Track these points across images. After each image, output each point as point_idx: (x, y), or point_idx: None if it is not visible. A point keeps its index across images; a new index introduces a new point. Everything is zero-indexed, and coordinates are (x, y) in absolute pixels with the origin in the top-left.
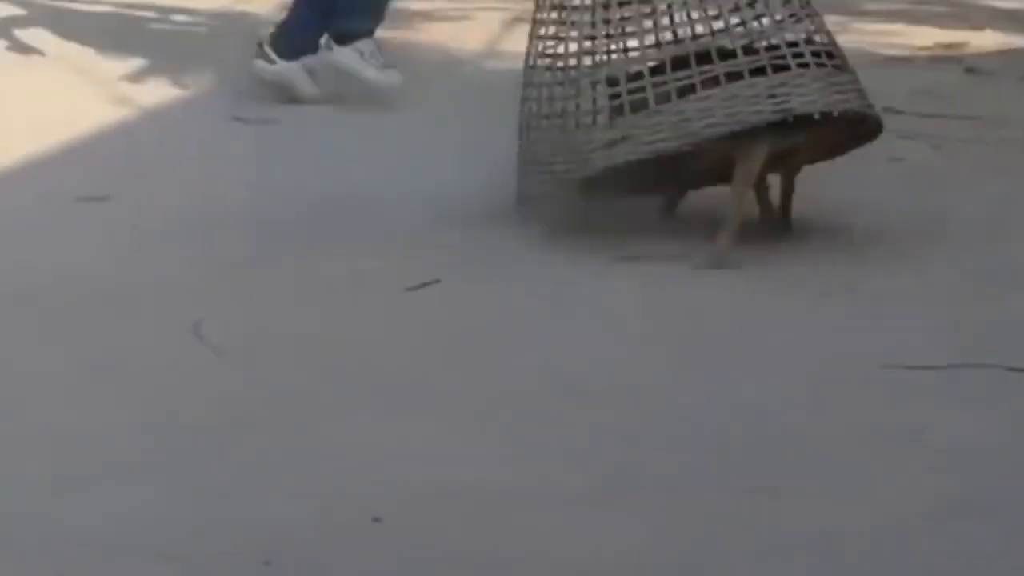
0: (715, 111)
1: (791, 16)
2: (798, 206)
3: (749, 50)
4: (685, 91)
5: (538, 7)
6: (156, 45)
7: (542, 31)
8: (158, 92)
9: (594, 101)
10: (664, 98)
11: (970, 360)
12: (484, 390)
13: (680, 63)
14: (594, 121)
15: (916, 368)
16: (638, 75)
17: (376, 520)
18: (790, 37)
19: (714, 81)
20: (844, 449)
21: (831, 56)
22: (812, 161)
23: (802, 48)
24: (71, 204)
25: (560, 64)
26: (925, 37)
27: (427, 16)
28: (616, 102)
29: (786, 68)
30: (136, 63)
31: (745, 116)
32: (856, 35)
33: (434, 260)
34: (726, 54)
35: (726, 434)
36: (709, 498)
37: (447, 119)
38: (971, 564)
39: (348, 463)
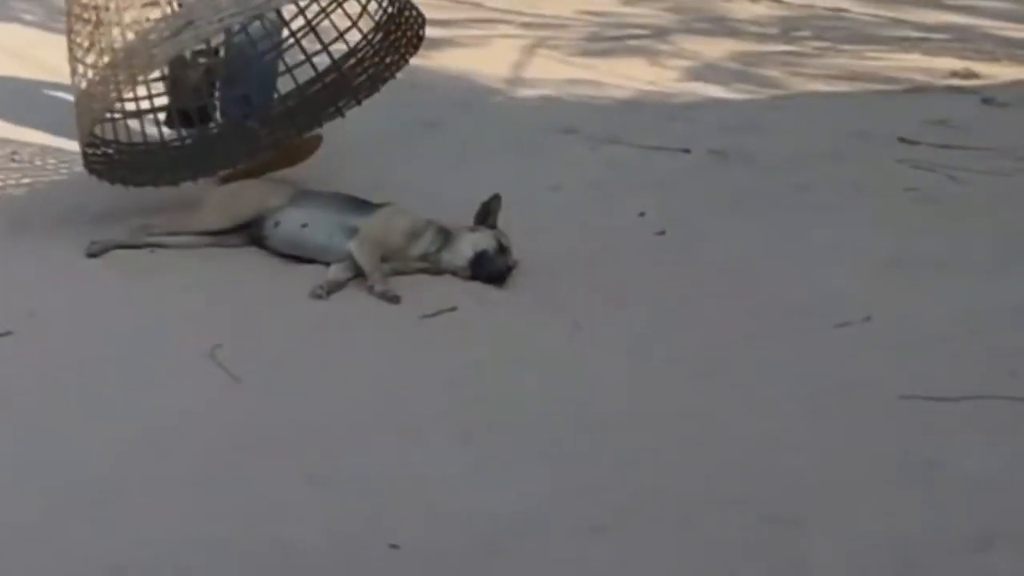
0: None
1: None
2: (819, 235)
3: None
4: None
5: None
6: None
7: None
8: None
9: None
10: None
11: (988, 391)
12: (501, 417)
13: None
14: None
15: (934, 399)
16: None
17: (393, 547)
18: None
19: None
20: (865, 480)
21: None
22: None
23: None
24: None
25: None
26: (941, 68)
27: (448, 43)
28: None
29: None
30: None
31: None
32: (872, 64)
33: (449, 287)
34: None
35: (747, 464)
36: (729, 528)
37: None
38: None
39: (365, 489)
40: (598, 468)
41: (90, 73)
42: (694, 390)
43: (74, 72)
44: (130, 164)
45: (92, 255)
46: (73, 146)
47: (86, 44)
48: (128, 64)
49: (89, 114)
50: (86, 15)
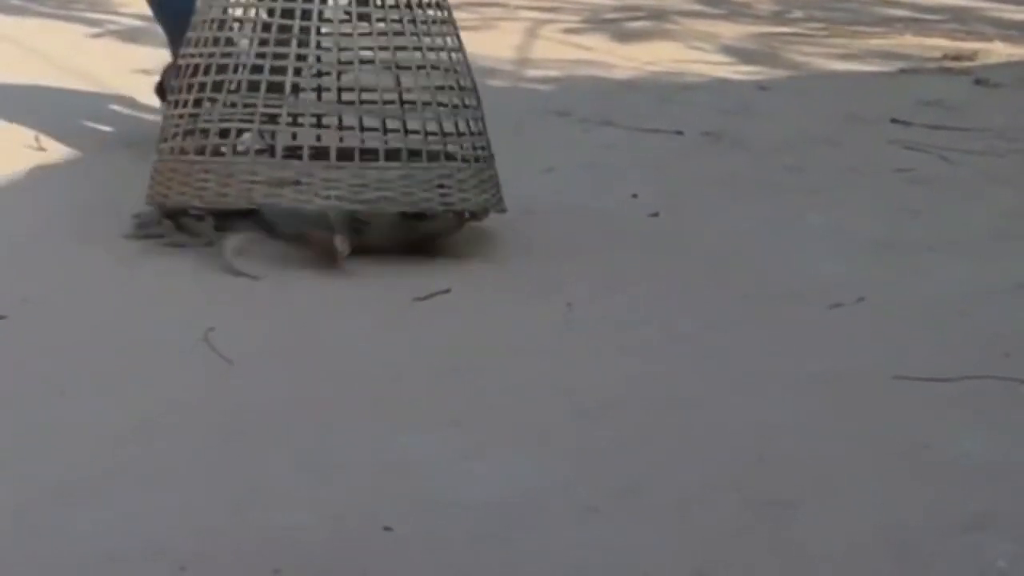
0: (393, 186)
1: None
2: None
3: (432, 126)
4: (367, 154)
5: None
6: None
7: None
8: None
9: (261, 134)
10: (346, 155)
11: (982, 372)
12: (495, 401)
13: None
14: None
15: (928, 380)
16: (320, 120)
17: (387, 529)
18: (459, 124)
19: (396, 153)
20: (859, 462)
21: (485, 148)
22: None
23: (468, 137)
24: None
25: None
26: (934, 48)
27: None
28: (293, 141)
29: (453, 158)
30: None
31: (417, 199)
32: (865, 45)
33: (443, 269)
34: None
35: (740, 447)
36: (723, 511)
37: None
38: None
39: (359, 472)
40: (591, 452)
41: None
42: (687, 373)
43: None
44: None
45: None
46: (68, 132)
47: None
48: None
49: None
50: None
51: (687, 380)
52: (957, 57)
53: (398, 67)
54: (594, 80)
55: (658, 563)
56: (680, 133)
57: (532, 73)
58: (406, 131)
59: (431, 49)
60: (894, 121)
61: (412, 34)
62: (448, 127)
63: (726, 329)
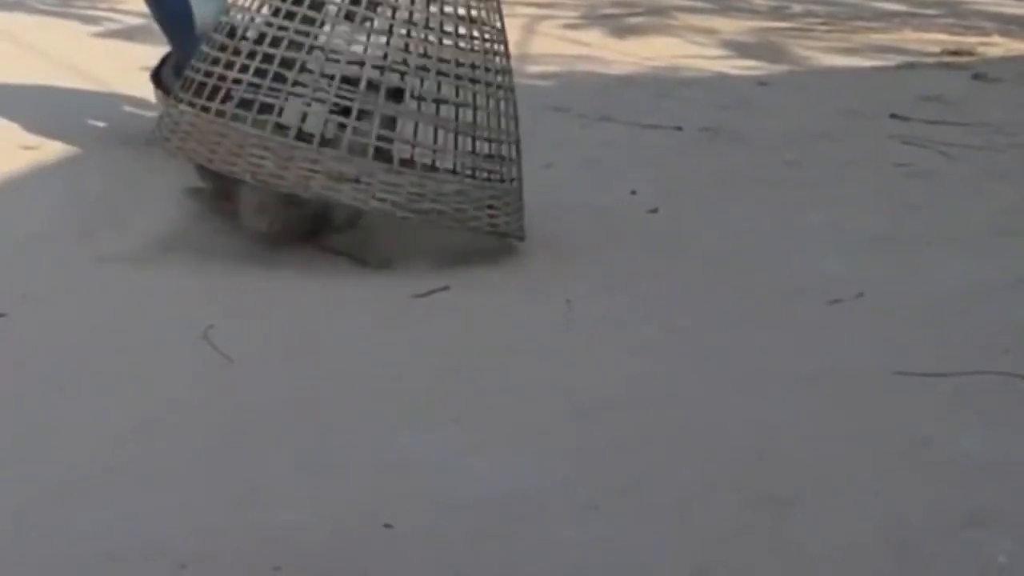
0: (448, 200)
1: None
2: (811, 212)
3: (485, 148)
4: (426, 166)
5: None
6: None
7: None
8: None
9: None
10: (409, 163)
11: (982, 368)
12: (494, 399)
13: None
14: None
15: (928, 376)
16: (391, 121)
17: (388, 527)
18: (510, 151)
19: (452, 169)
20: (859, 458)
21: (519, 170)
22: None
23: (510, 161)
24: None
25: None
26: (933, 43)
27: None
28: (359, 137)
29: (502, 180)
30: None
31: (468, 220)
32: (864, 40)
33: (442, 265)
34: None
35: (740, 444)
36: (723, 510)
37: None
38: (983, 573)
39: (359, 471)
40: (591, 451)
41: None
42: (687, 371)
43: None
44: None
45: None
46: (67, 130)
47: None
48: None
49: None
50: None
51: (687, 378)
52: (956, 52)
53: (471, 81)
54: (592, 76)
55: (658, 561)
56: (679, 129)
57: (530, 69)
58: (470, 149)
59: (498, 72)
60: (893, 116)
61: (484, 52)
62: (504, 151)
63: (726, 326)
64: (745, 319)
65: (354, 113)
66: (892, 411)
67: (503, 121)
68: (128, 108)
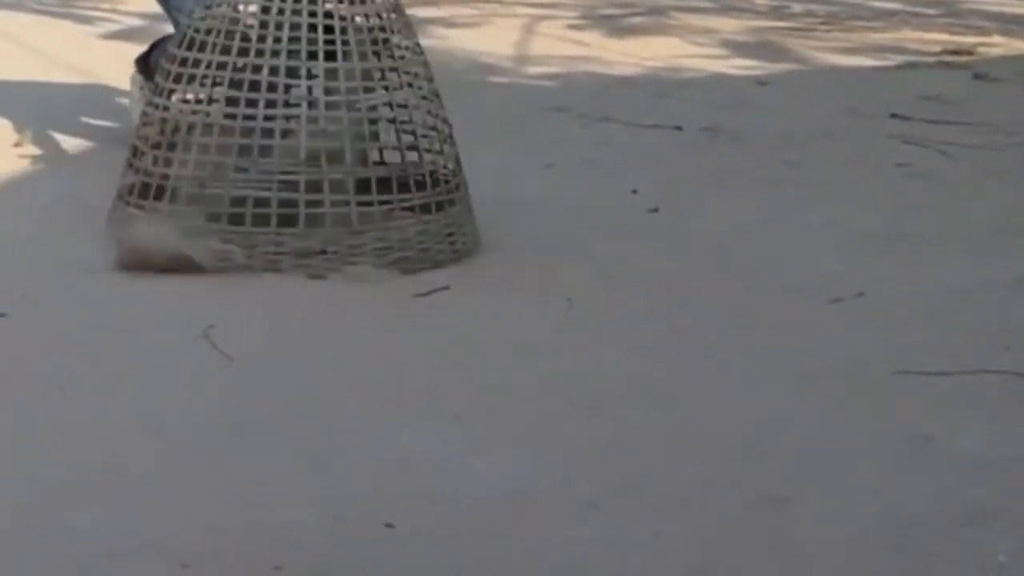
0: (411, 245)
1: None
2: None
3: (434, 176)
4: (387, 216)
5: None
6: None
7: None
8: None
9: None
10: (368, 219)
11: (982, 366)
12: (495, 397)
13: (383, 185)
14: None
15: (929, 374)
16: (340, 185)
17: (388, 526)
18: (450, 159)
19: (410, 210)
20: (860, 457)
21: (463, 180)
22: None
23: (454, 178)
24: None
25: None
26: (933, 43)
27: (446, 23)
28: (316, 209)
29: (453, 203)
30: None
31: (432, 254)
32: (864, 40)
33: (443, 266)
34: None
35: (741, 442)
36: (720, 507)
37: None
38: (984, 571)
39: (360, 469)
40: (591, 448)
41: None
42: (687, 369)
43: None
44: None
45: None
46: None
47: None
48: None
49: None
50: None
51: (687, 376)
52: (956, 51)
53: (394, 121)
54: (592, 76)
55: (658, 560)
56: (679, 129)
57: (531, 69)
58: (416, 186)
59: (411, 85)
60: (893, 116)
61: (390, 70)
62: (449, 169)
63: (726, 325)
64: (746, 318)
65: (302, 186)
66: (892, 410)
67: (439, 141)
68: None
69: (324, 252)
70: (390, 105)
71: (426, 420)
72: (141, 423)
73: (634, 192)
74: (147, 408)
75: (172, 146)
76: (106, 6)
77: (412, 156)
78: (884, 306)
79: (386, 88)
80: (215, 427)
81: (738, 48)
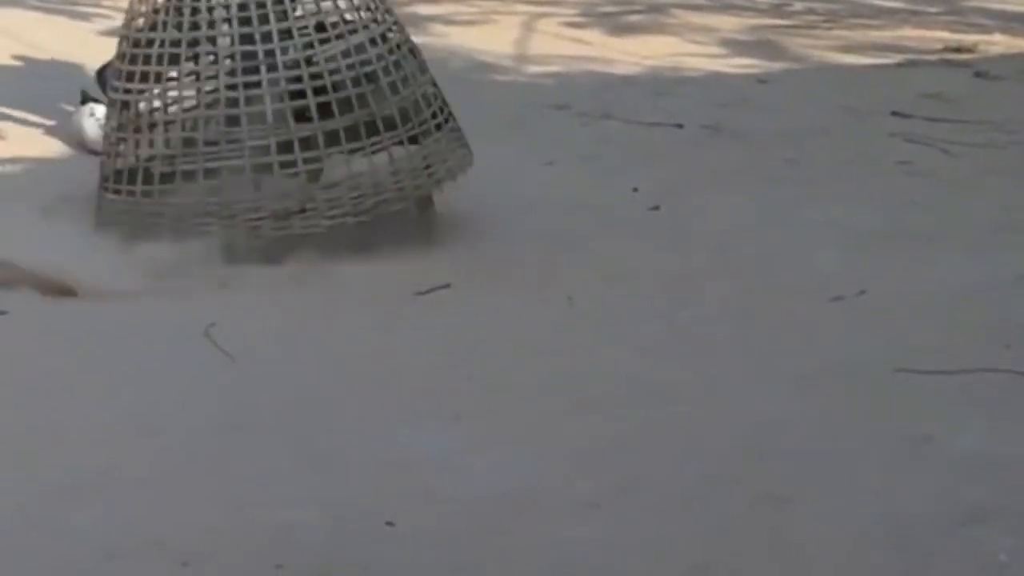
0: (386, 187)
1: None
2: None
3: (404, 113)
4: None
5: None
6: None
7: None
8: None
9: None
10: (339, 171)
11: (983, 364)
12: (495, 396)
13: (351, 132)
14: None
15: (929, 373)
16: (309, 142)
17: (389, 524)
18: (423, 90)
19: (382, 153)
20: (860, 456)
21: (445, 105)
22: None
23: (433, 105)
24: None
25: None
26: (934, 41)
27: (445, 20)
28: (289, 170)
29: (429, 133)
30: None
31: (410, 191)
32: (865, 38)
33: (443, 263)
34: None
35: (741, 441)
36: (724, 505)
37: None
38: (984, 570)
39: (360, 468)
40: (593, 446)
41: None
42: (688, 367)
43: None
44: None
45: None
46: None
47: None
48: None
49: None
50: None
51: (687, 376)
52: (957, 49)
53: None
54: (593, 74)
55: (659, 559)
56: (680, 126)
57: (531, 67)
58: (383, 128)
59: (366, 27)
60: (894, 114)
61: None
62: (419, 105)
63: (727, 323)
64: (746, 316)
65: (273, 149)
66: (893, 409)
67: (410, 76)
68: None
69: (303, 210)
70: (348, 52)
71: (426, 419)
72: (141, 422)
73: (635, 190)
74: (147, 407)
75: (138, 129)
76: (107, 3)
77: (379, 98)
78: (884, 304)
79: (339, 36)
80: (215, 426)
81: (738, 46)
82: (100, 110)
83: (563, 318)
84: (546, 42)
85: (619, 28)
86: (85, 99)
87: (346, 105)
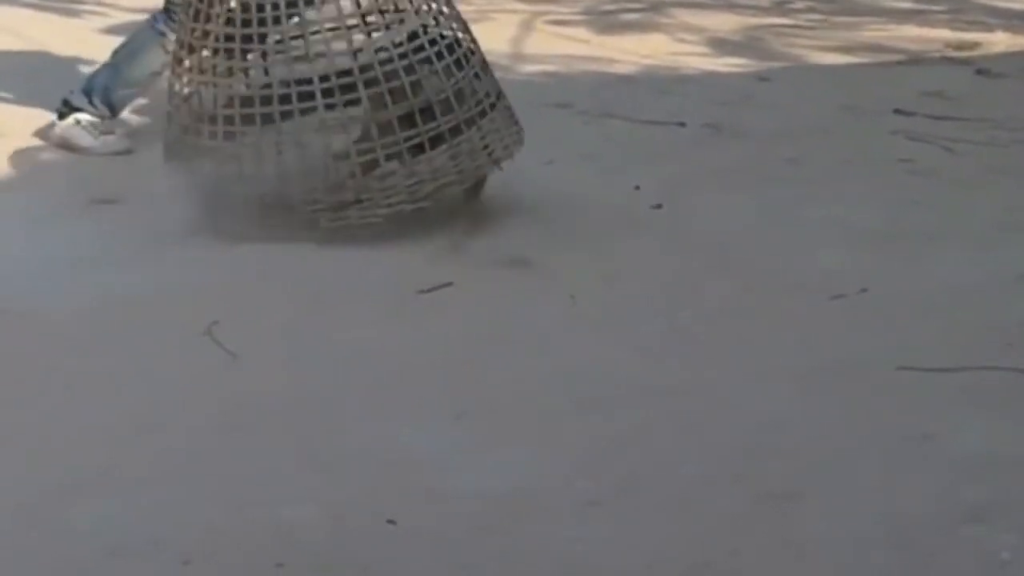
0: (445, 170)
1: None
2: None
3: (460, 96)
4: (415, 150)
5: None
6: None
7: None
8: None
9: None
10: (396, 158)
11: (984, 363)
12: (496, 395)
13: (405, 121)
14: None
15: (931, 371)
16: (366, 135)
17: (390, 523)
18: (475, 71)
19: (440, 138)
20: (862, 454)
21: (495, 84)
22: None
23: (485, 85)
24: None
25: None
26: (936, 39)
27: None
28: (344, 161)
29: (484, 113)
30: None
31: (470, 172)
32: (867, 36)
33: (446, 261)
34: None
35: (743, 440)
36: (725, 504)
37: None
38: (986, 569)
39: (362, 466)
40: (594, 445)
41: None
42: (689, 366)
43: None
44: None
45: None
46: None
47: None
48: None
49: None
50: None
51: (689, 372)
52: (959, 47)
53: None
54: (593, 73)
55: (660, 558)
56: (682, 125)
57: (530, 66)
58: (440, 113)
59: (417, 13)
60: (896, 112)
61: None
62: (474, 85)
63: (728, 321)
64: (748, 315)
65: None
66: (894, 407)
67: (463, 58)
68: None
69: (359, 201)
70: (399, 42)
71: (428, 417)
72: (143, 421)
73: (637, 188)
74: (149, 405)
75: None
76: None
77: (434, 83)
78: (885, 303)
79: (387, 27)
80: (217, 425)
81: (739, 44)
82: (85, 116)
83: (564, 317)
84: (544, 40)
85: (618, 26)
86: (66, 109)
87: (399, 94)
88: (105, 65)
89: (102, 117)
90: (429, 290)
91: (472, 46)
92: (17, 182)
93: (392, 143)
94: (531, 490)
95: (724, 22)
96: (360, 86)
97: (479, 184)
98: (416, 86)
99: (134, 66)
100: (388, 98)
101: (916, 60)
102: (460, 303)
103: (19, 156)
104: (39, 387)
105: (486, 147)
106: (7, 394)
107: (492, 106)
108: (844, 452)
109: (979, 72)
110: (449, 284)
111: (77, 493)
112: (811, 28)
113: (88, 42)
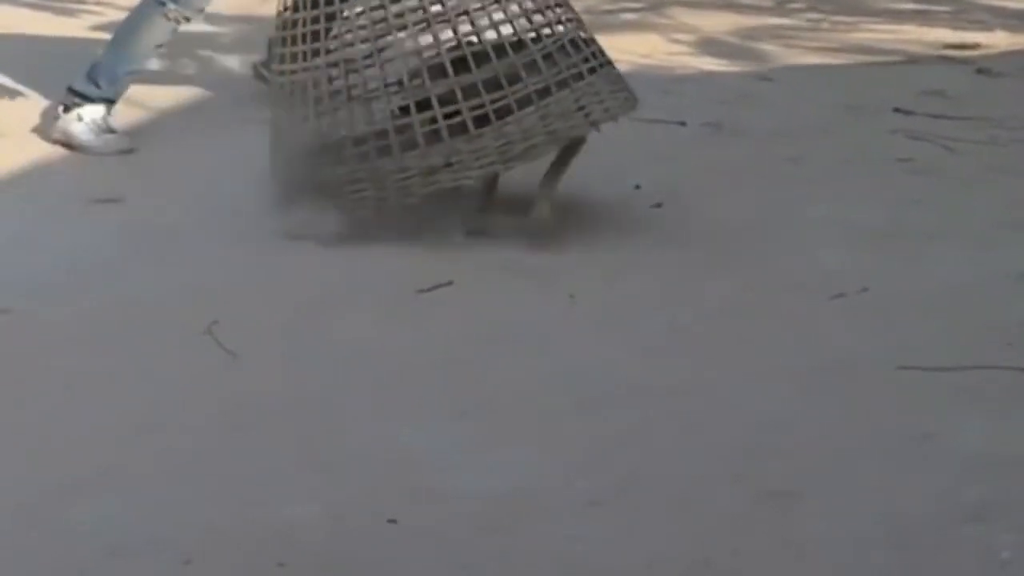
0: (535, 131)
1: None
2: (814, 207)
3: (549, 59)
4: (502, 112)
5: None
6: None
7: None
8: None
9: (393, 127)
10: (483, 121)
11: (985, 362)
12: (496, 395)
13: (491, 84)
14: (400, 148)
15: (932, 370)
16: (451, 97)
17: (391, 522)
18: (571, 36)
19: (527, 100)
20: (862, 453)
21: (601, 52)
22: None
23: (584, 51)
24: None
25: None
26: (936, 38)
27: None
28: (429, 127)
29: (580, 76)
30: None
31: (563, 132)
32: (867, 35)
33: (446, 260)
34: (528, 65)
35: (743, 439)
36: (726, 503)
37: None
38: (986, 569)
39: (363, 465)
40: (594, 444)
41: None
42: (689, 364)
43: None
44: None
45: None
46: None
47: None
48: None
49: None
50: None
51: (689, 372)
52: (959, 47)
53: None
54: None
55: (660, 557)
56: (683, 124)
57: None
58: (529, 74)
59: None
60: (896, 111)
61: None
62: (567, 50)
63: (729, 321)
64: (748, 314)
65: (413, 108)
66: (894, 406)
67: (552, 23)
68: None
69: (449, 164)
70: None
71: (428, 417)
72: (143, 420)
73: (637, 187)
74: (150, 405)
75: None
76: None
77: (519, 46)
78: (886, 302)
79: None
80: (217, 424)
81: (739, 43)
82: (88, 114)
83: (565, 316)
84: None
85: (617, 26)
86: (72, 101)
87: (483, 57)
88: (107, 46)
89: (107, 100)
90: (429, 290)
91: (568, 10)
92: (17, 181)
93: (478, 106)
94: (531, 490)
95: (724, 22)
96: (441, 52)
97: (575, 145)
98: (500, 50)
99: (136, 40)
100: (472, 62)
101: (916, 60)
102: (460, 303)
103: (19, 156)
104: (39, 387)
105: (581, 108)
106: (7, 394)
107: (592, 70)
108: (844, 452)
109: (979, 72)
110: (449, 284)
111: (77, 493)
112: (811, 28)
113: (87, 41)
